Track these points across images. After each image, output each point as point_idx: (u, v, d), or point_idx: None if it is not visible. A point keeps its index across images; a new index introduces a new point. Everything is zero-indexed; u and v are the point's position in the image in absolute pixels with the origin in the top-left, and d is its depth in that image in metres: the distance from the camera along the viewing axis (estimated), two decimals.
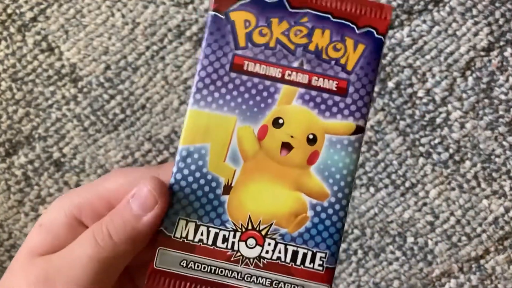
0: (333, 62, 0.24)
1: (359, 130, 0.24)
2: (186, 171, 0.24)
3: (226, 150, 0.24)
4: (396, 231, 0.57)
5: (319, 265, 0.24)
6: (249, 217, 0.24)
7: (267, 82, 0.24)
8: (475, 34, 0.58)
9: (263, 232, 0.24)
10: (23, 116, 0.58)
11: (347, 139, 0.24)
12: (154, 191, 0.22)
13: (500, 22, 0.58)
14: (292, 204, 0.24)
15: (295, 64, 0.24)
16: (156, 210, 0.23)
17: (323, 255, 0.24)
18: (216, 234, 0.24)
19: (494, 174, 0.57)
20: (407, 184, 0.57)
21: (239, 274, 0.24)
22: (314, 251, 0.24)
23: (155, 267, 0.23)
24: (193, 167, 0.24)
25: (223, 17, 0.23)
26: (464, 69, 0.57)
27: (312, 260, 0.24)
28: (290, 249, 0.24)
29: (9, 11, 0.59)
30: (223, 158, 0.24)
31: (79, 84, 0.58)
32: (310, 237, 0.24)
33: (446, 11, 0.58)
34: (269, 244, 0.24)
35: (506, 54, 0.57)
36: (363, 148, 0.57)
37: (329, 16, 0.24)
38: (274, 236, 0.24)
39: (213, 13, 0.23)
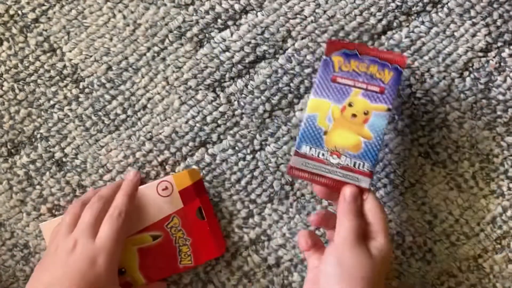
0: (378, 79, 0.49)
1: (389, 110, 0.49)
2: (308, 125, 0.49)
3: (326, 116, 0.49)
4: (395, 230, 0.57)
5: (366, 168, 0.48)
6: (335, 146, 0.49)
7: (346, 87, 0.49)
8: (473, 35, 0.58)
9: (341, 152, 0.48)
10: (25, 116, 0.58)
11: (384, 113, 0.49)
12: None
13: (498, 23, 0.58)
14: (355, 141, 0.49)
15: (361, 79, 0.49)
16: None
17: (368, 164, 0.48)
18: (319, 152, 0.49)
19: (492, 174, 0.57)
20: (406, 183, 0.57)
21: (329, 170, 0.48)
22: (364, 162, 0.48)
23: (291, 165, 0.49)
24: (311, 123, 0.49)
25: (328, 59, 0.50)
26: (462, 69, 0.58)
27: (363, 166, 0.48)
28: (353, 160, 0.48)
29: (11, 12, 0.59)
30: (325, 119, 0.49)
31: (80, 84, 0.58)
32: (362, 156, 0.48)
33: (444, 12, 0.58)
34: (344, 157, 0.48)
35: (504, 54, 0.58)
36: None
37: (377, 59, 0.50)
38: (346, 155, 0.48)
39: (325, 57, 0.50)
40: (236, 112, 0.58)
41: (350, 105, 0.49)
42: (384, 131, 0.48)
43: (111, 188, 0.54)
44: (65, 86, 0.58)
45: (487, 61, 0.58)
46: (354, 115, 0.49)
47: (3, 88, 0.58)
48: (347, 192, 0.47)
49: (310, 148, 0.49)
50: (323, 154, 0.48)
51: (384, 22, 0.58)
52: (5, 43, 0.59)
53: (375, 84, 0.49)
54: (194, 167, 0.57)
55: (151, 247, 0.54)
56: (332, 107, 0.49)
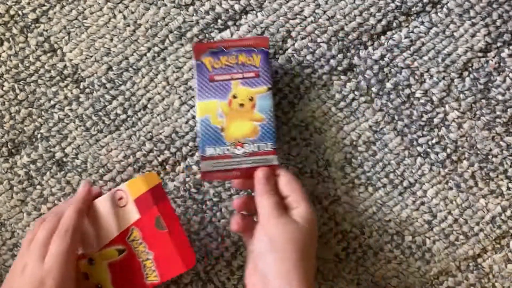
0: (250, 65, 0.52)
1: (269, 89, 0.52)
2: (204, 128, 0.51)
3: (217, 114, 0.52)
4: (394, 230, 0.57)
5: (270, 147, 0.51)
6: (235, 139, 0.51)
7: (225, 82, 0.52)
8: (473, 35, 0.58)
9: (242, 141, 0.51)
10: (25, 116, 0.58)
11: (266, 94, 0.52)
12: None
13: (498, 23, 0.58)
14: (250, 127, 0.52)
15: (235, 71, 0.52)
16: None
17: (270, 143, 0.51)
18: (223, 149, 0.51)
19: (491, 174, 0.57)
20: (405, 183, 0.57)
21: (238, 162, 0.51)
22: (266, 143, 0.51)
23: (202, 171, 0.51)
24: (206, 125, 0.52)
25: (200, 62, 0.53)
26: (461, 70, 0.58)
27: (266, 147, 0.51)
28: (256, 145, 0.51)
29: (11, 12, 0.59)
30: (216, 117, 0.52)
31: (81, 84, 0.58)
32: (262, 138, 0.51)
33: (444, 12, 0.58)
34: (247, 145, 0.51)
35: (503, 55, 0.58)
36: (362, 148, 0.57)
37: (242, 48, 0.53)
38: (247, 142, 0.51)
39: (195, 61, 0.53)
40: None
41: (234, 96, 0.52)
42: (272, 109, 0.52)
43: (67, 203, 0.52)
44: (66, 86, 0.58)
45: (487, 61, 0.58)
46: (241, 105, 0.52)
47: (4, 88, 0.58)
48: (258, 175, 0.49)
49: (214, 149, 0.51)
50: (227, 150, 0.51)
51: (383, 22, 0.58)
52: (6, 43, 0.59)
53: (249, 70, 0.52)
54: (153, 172, 0.54)
55: (118, 262, 0.50)
56: (219, 104, 0.52)
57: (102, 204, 0.51)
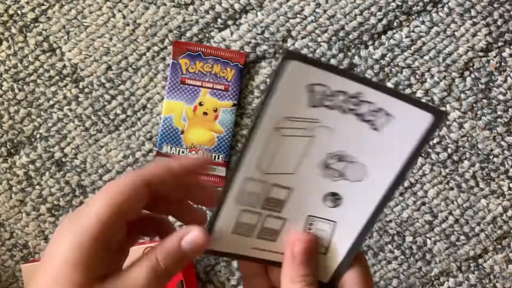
0: (222, 77, 0.55)
1: (234, 105, 0.55)
2: (166, 126, 0.55)
3: (180, 116, 0.55)
4: (395, 230, 0.57)
5: (222, 159, 0.54)
6: (192, 143, 0.55)
7: (195, 88, 0.55)
8: (474, 35, 0.58)
9: (198, 148, 0.54)
10: (24, 116, 0.58)
11: (230, 109, 0.55)
12: (203, 235, 0.29)
13: (499, 23, 0.58)
14: (209, 136, 0.55)
15: (207, 79, 0.55)
16: (202, 250, 0.30)
17: (223, 156, 0.55)
18: (179, 150, 0.55)
19: (492, 174, 0.57)
20: (406, 183, 0.57)
21: None
22: (218, 154, 0.54)
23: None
24: (168, 124, 0.55)
25: (176, 62, 0.55)
26: (462, 69, 0.58)
27: (218, 158, 0.54)
28: (210, 154, 0.54)
29: (10, 11, 0.59)
30: (180, 119, 0.55)
31: (80, 84, 0.58)
32: (217, 149, 0.54)
33: (445, 12, 0.58)
34: (201, 152, 0.54)
35: (504, 54, 0.58)
36: None
37: (220, 58, 0.55)
38: (202, 150, 0.54)
39: (172, 60, 0.55)
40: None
41: (200, 104, 0.55)
42: (232, 124, 0.55)
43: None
44: (65, 86, 0.58)
45: (488, 61, 0.58)
46: (205, 113, 0.55)
47: (3, 88, 0.58)
48: (295, 246, 0.31)
49: (171, 148, 0.55)
50: (182, 152, 0.55)
51: (384, 21, 0.58)
52: (5, 43, 0.58)
53: (220, 82, 0.55)
54: None
55: None
56: (185, 107, 0.55)
57: (131, 254, 0.53)
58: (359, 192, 0.29)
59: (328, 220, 0.30)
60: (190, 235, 0.29)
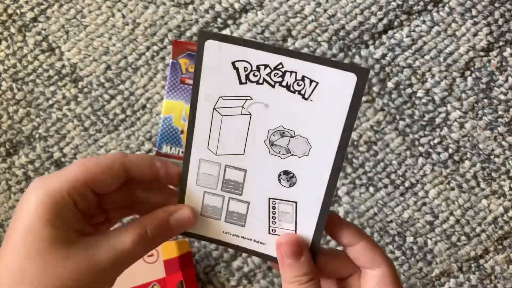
0: None
1: None
2: (165, 126, 0.53)
3: (180, 116, 0.53)
4: (396, 230, 0.57)
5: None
6: None
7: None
8: (475, 35, 0.58)
9: None
10: (23, 116, 0.58)
11: None
12: (192, 216, 0.31)
13: (500, 23, 0.58)
14: None
15: None
16: (189, 227, 0.32)
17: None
18: (179, 150, 0.53)
19: (493, 174, 0.57)
20: (407, 184, 0.57)
21: None
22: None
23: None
24: (168, 124, 0.54)
25: (175, 61, 0.54)
26: (463, 69, 0.57)
27: None
28: None
29: (9, 11, 0.59)
30: (179, 119, 0.54)
31: (79, 84, 0.58)
32: None
33: (446, 11, 0.58)
34: None
35: (505, 54, 0.57)
36: (363, 148, 0.57)
37: None
38: None
39: (171, 60, 0.54)
40: None
41: None
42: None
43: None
44: (64, 85, 0.58)
45: (489, 61, 0.57)
46: None
47: (2, 88, 0.58)
48: (281, 241, 0.32)
49: (171, 148, 0.54)
50: (182, 152, 0.54)
51: (385, 21, 0.58)
52: (4, 43, 0.58)
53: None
54: (186, 239, 0.56)
55: None
56: (185, 107, 0.54)
57: None
58: (310, 167, 0.29)
59: (289, 201, 0.31)
60: (179, 214, 0.31)
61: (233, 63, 0.27)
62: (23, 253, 0.27)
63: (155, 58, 0.58)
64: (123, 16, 0.58)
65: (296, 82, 0.27)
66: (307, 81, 0.27)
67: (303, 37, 0.58)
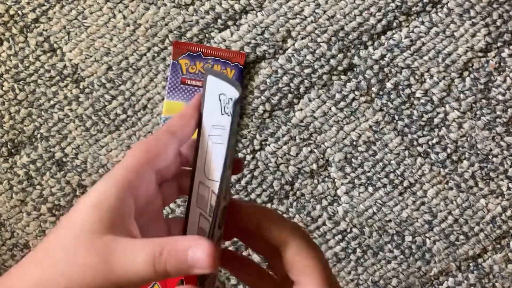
0: None
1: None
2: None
3: None
4: (395, 230, 0.57)
5: None
6: None
7: (195, 88, 0.54)
8: (473, 35, 0.58)
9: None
10: (25, 116, 0.58)
11: None
12: (210, 257, 0.26)
13: (498, 23, 0.58)
14: None
15: None
16: (207, 270, 0.27)
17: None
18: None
19: (491, 174, 0.57)
20: (405, 183, 0.57)
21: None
22: None
23: None
24: None
25: (176, 62, 0.55)
26: (462, 70, 0.58)
27: None
28: None
29: (11, 12, 0.59)
30: None
31: (81, 84, 0.58)
32: None
33: (444, 12, 0.58)
34: None
35: (503, 55, 0.58)
36: (362, 148, 0.57)
37: (220, 59, 0.55)
38: None
39: (172, 60, 0.55)
40: None
41: None
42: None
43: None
44: (65, 86, 0.58)
45: (487, 61, 0.58)
46: None
47: (4, 88, 0.58)
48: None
49: None
50: None
51: (384, 22, 0.58)
52: (5, 43, 0.59)
53: None
54: None
55: None
56: (184, 106, 0.56)
57: None
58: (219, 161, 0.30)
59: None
60: (198, 253, 0.27)
61: (219, 95, 0.29)
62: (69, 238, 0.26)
63: (156, 59, 0.58)
64: (124, 17, 0.59)
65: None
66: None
67: (302, 38, 0.58)
